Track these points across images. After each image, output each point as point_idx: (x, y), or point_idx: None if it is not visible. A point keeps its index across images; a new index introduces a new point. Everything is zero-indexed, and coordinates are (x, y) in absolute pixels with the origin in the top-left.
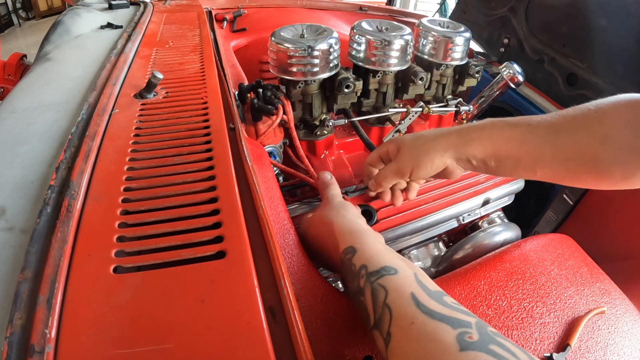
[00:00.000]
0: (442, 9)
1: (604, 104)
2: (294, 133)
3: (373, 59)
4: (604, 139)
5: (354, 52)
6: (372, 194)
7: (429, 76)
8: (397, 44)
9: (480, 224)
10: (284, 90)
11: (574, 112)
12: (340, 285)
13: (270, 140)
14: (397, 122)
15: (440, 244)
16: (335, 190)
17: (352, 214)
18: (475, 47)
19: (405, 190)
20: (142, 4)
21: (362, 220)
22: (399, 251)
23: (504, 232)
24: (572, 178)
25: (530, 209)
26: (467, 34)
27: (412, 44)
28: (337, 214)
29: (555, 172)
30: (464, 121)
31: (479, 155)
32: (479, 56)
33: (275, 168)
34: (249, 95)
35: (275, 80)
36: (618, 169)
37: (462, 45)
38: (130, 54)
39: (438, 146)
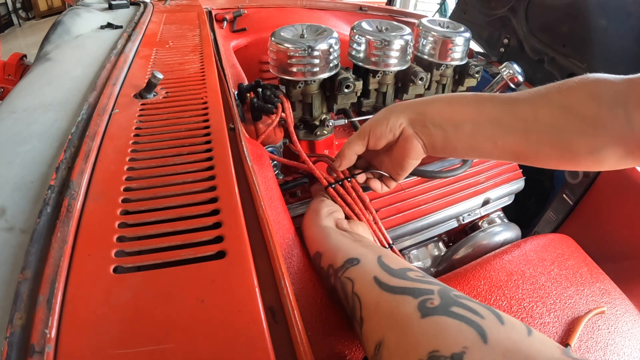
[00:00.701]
0: (442, 9)
1: (571, 80)
2: (292, 128)
3: (373, 59)
4: (565, 109)
5: (354, 52)
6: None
7: (428, 76)
8: (397, 44)
9: (480, 224)
10: (284, 90)
11: (538, 87)
12: None
13: (271, 140)
14: None
15: (440, 244)
16: (318, 201)
17: (321, 218)
18: (475, 47)
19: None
20: (142, 4)
21: (335, 215)
22: (400, 251)
23: (504, 232)
24: (536, 153)
25: (530, 209)
26: (467, 34)
27: (412, 44)
28: (310, 223)
29: (516, 144)
30: None
31: (436, 117)
32: (479, 56)
33: (275, 168)
34: (248, 95)
35: (275, 80)
36: (582, 142)
37: (462, 45)
38: (130, 54)
39: (396, 108)
